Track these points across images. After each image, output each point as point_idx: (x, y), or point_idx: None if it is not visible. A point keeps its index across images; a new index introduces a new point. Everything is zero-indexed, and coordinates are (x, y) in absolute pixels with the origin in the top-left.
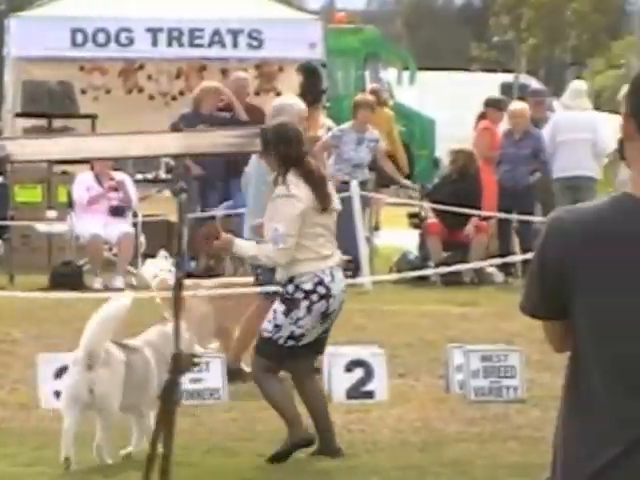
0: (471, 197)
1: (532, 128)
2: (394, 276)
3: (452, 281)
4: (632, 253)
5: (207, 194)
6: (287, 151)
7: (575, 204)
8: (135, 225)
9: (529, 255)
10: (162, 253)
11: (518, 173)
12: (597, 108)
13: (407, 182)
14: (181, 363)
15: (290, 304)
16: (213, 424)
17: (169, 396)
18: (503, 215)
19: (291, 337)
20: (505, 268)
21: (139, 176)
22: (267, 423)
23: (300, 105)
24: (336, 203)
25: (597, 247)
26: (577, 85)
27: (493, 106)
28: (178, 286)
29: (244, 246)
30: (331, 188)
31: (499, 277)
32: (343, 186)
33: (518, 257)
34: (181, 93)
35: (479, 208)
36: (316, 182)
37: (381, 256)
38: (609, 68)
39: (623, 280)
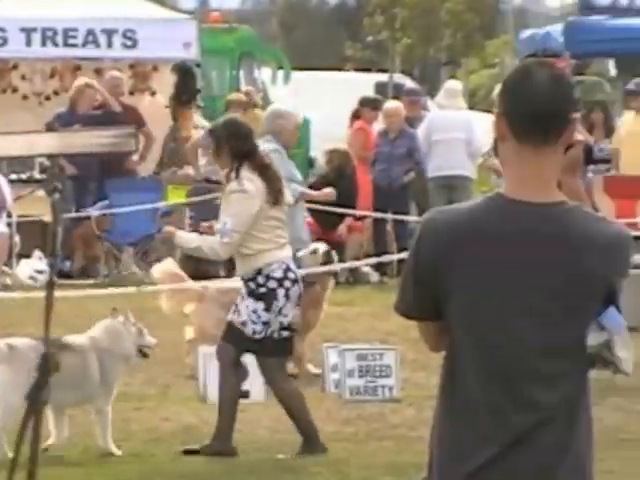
0: (346, 197)
1: (407, 127)
2: None
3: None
4: (504, 253)
5: (82, 194)
6: (239, 145)
7: (450, 203)
8: (9, 225)
9: (404, 255)
10: (37, 253)
11: (393, 172)
12: (472, 107)
13: None
14: (49, 363)
15: (267, 298)
16: (89, 426)
17: (36, 396)
18: (378, 215)
19: (283, 328)
20: (380, 268)
21: (13, 176)
22: (141, 423)
23: (298, 115)
24: (288, 197)
25: (470, 247)
26: (451, 84)
27: (368, 105)
28: (50, 286)
29: (187, 237)
30: (283, 182)
31: (374, 277)
32: (217, 186)
33: (393, 257)
34: (55, 93)
35: (354, 208)
36: (270, 176)
37: None
38: (483, 67)
39: (495, 280)
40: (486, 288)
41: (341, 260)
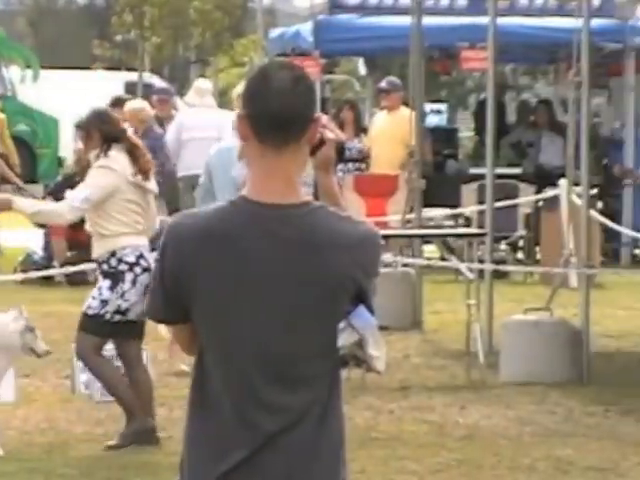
0: None
1: (154, 127)
2: (19, 276)
3: (78, 281)
4: (247, 256)
5: None
6: (108, 129)
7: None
8: None
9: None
10: None
11: None
12: (222, 106)
13: (18, 182)
14: None
15: (115, 278)
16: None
17: None
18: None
19: (117, 312)
20: None
21: None
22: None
23: None
24: (153, 185)
25: (213, 251)
26: (201, 83)
27: (118, 105)
28: None
29: (25, 204)
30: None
31: None
32: None
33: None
34: None
35: None
36: (137, 156)
37: (5, 256)
38: (233, 66)
39: (239, 283)
40: (230, 292)
41: (88, 260)
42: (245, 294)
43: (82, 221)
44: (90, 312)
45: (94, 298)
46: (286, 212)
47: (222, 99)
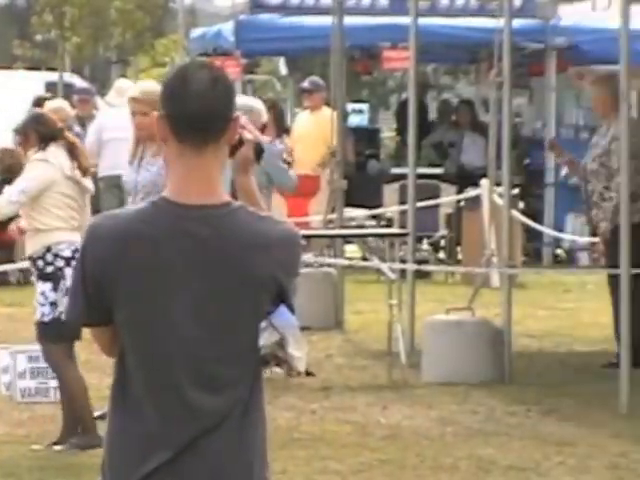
0: None
1: (74, 126)
2: None
3: None
4: (167, 257)
5: None
6: (44, 130)
7: (122, 203)
8: None
9: None
10: None
11: None
12: None
13: None
14: None
15: (54, 277)
16: None
17: None
18: None
19: None
20: None
21: None
22: None
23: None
24: (90, 184)
25: (133, 252)
26: (122, 83)
27: (39, 105)
28: None
29: None
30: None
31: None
32: None
33: None
34: None
35: None
36: (76, 154)
37: None
38: (154, 66)
39: (160, 285)
40: (151, 294)
41: (11, 260)
42: (166, 295)
43: (4, 222)
44: (46, 319)
45: (43, 305)
46: (206, 212)
47: None
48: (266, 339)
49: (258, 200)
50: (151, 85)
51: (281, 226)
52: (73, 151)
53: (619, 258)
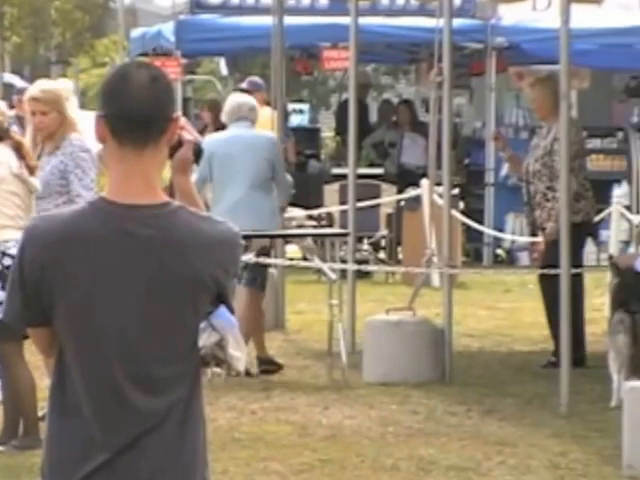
0: None
1: (13, 126)
2: None
3: None
4: (107, 258)
5: None
6: None
7: None
8: None
9: None
10: None
11: None
12: (82, 107)
13: None
14: None
15: (3, 276)
16: None
17: None
18: None
19: None
20: None
21: None
22: None
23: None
24: (37, 183)
25: (72, 254)
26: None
27: None
28: None
29: None
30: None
31: None
32: None
33: None
34: None
35: None
36: (24, 154)
37: None
38: (94, 66)
39: (100, 286)
40: (90, 294)
41: None
42: (105, 296)
43: None
44: None
45: None
46: (146, 212)
47: (82, 100)
48: (206, 339)
49: (197, 200)
50: (50, 84)
51: (221, 226)
52: (20, 150)
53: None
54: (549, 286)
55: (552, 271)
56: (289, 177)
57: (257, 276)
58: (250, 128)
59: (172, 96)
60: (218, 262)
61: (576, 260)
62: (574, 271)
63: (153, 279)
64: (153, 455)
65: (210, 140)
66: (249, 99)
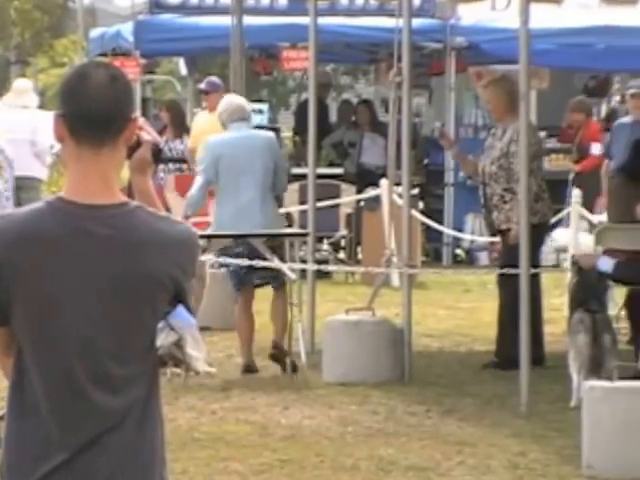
0: None
1: None
2: None
3: None
4: (65, 258)
5: None
6: None
7: (19, 205)
8: None
9: None
10: None
11: None
12: (41, 107)
13: None
14: None
15: None
16: None
17: None
18: None
19: None
20: None
21: None
22: None
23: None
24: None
25: (30, 253)
26: (19, 83)
27: None
28: None
29: None
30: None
31: None
32: None
33: None
34: None
35: None
36: None
37: None
38: (53, 66)
39: (59, 285)
40: (49, 293)
41: None
42: (64, 295)
43: None
44: None
45: None
46: (104, 212)
47: (42, 99)
48: (164, 339)
49: (155, 200)
50: None
51: (179, 226)
52: None
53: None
54: (507, 286)
55: (512, 271)
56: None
57: (276, 276)
58: (250, 129)
59: (131, 96)
60: (176, 262)
61: (534, 261)
62: (533, 271)
63: (111, 279)
64: (112, 454)
65: (216, 142)
66: (244, 100)
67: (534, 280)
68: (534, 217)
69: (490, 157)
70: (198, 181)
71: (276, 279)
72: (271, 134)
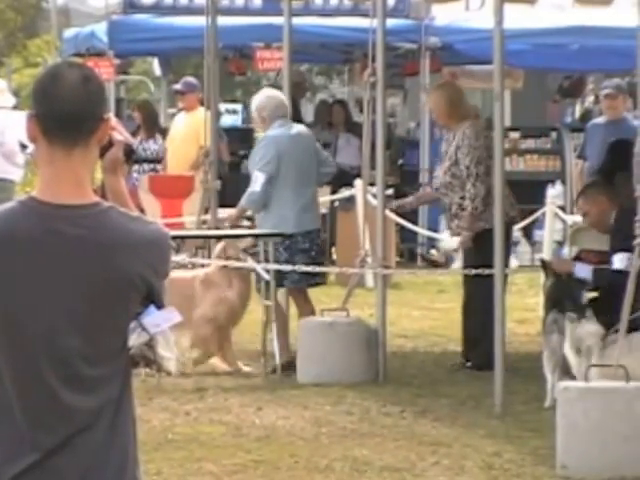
0: None
1: None
2: None
3: None
4: (37, 258)
5: None
6: None
7: None
8: None
9: None
10: None
11: None
12: (15, 107)
13: None
14: None
15: None
16: None
17: None
18: None
19: None
20: None
21: None
22: None
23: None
24: None
25: (2, 251)
26: None
27: None
28: None
29: None
30: None
31: None
32: None
33: None
34: None
35: None
36: None
37: None
38: (27, 67)
39: (31, 286)
40: (19, 293)
41: None
42: (35, 295)
43: None
44: None
45: None
46: (76, 212)
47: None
48: (135, 339)
49: (127, 200)
50: None
51: (151, 226)
52: None
53: (477, 263)
54: (467, 289)
55: (487, 271)
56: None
57: (285, 275)
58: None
59: (104, 96)
60: (147, 262)
61: (489, 262)
62: (487, 272)
63: (82, 279)
64: (84, 455)
65: (277, 138)
66: (281, 94)
67: (490, 282)
68: (485, 223)
69: (443, 167)
70: (260, 178)
71: (283, 281)
72: (309, 130)
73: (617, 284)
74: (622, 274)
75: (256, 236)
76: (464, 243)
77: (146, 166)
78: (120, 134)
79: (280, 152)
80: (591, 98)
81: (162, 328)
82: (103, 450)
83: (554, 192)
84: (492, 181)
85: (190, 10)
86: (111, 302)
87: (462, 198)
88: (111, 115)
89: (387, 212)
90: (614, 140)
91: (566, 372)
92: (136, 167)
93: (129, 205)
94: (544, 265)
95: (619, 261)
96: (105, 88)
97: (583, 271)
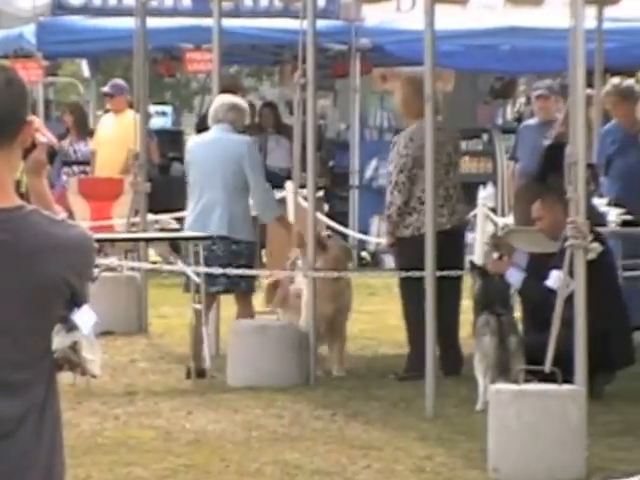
0: None
1: None
2: None
3: None
4: None
5: None
6: None
7: None
8: None
9: None
10: None
11: None
12: None
13: None
14: None
15: None
16: None
17: None
18: None
19: None
20: None
21: None
22: None
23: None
24: None
25: None
26: None
27: None
28: None
29: None
30: None
31: None
32: None
33: None
34: None
35: None
36: None
37: None
38: None
39: None
40: None
41: None
42: None
43: None
44: None
45: None
46: None
47: None
48: (59, 343)
49: (50, 202)
50: None
51: (75, 229)
52: None
53: (403, 267)
54: (400, 293)
55: (417, 273)
56: (268, 188)
57: (239, 282)
58: (227, 131)
59: (27, 99)
60: (71, 266)
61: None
62: (418, 274)
63: (6, 283)
64: (11, 460)
65: (191, 143)
66: (229, 99)
67: (419, 286)
68: (406, 230)
69: (388, 177)
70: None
71: (237, 286)
72: (247, 138)
73: (543, 301)
74: (551, 292)
75: (185, 239)
76: (384, 247)
77: (76, 168)
78: (43, 136)
79: (188, 158)
80: (522, 100)
81: (86, 331)
82: (28, 455)
83: (485, 194)
84: (417, 191)
85: (119, 11)
86: (35, 306)
87: (405, 204)
88: (34, 117)
89: (318, 214)
90: (550, 143)
91: (500, 374)
92: (66, 169)
93: (52, 207)
94: (473, 267)
95: (553, 279)
96: (28, 90)
97: (513, 277)
